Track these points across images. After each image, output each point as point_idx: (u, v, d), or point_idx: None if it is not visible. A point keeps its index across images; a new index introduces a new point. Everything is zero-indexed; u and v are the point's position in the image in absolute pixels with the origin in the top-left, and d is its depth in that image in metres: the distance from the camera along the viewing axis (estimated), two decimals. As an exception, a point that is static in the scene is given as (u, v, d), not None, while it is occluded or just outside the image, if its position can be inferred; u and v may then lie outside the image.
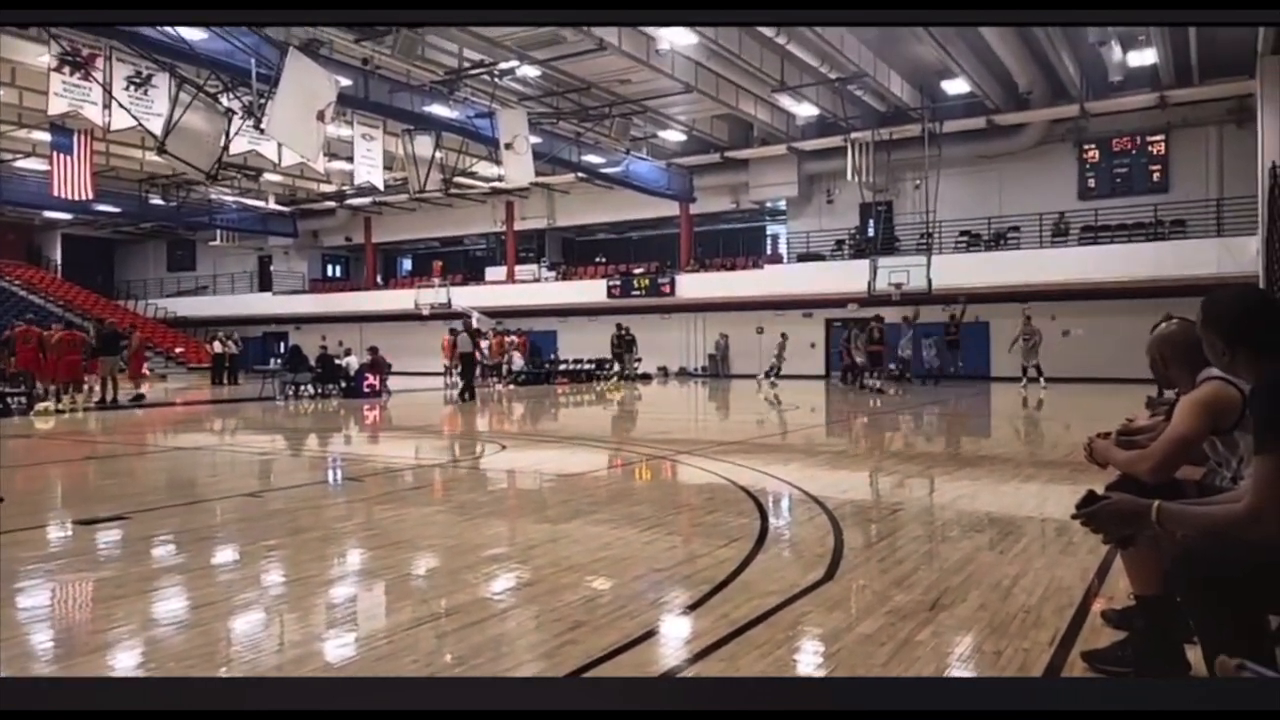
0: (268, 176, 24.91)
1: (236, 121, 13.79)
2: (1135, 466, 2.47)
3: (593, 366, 23.62)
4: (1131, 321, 16.94)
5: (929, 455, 8.44)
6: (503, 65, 16.89)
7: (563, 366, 23.79)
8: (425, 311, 26.93)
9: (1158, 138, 20.41)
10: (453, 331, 22.61)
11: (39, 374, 14.61)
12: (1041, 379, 17.75)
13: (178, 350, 30.37)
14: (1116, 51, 16.36)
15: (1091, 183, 21.24)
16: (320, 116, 12.70)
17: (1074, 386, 18.32)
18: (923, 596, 3.43)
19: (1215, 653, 1.88)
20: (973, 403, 15.80)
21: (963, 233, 22.30)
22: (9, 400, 13.32)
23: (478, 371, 18.96)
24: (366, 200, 28.95)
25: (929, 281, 19.97)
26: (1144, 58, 17.05)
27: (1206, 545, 1.90)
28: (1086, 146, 21.08)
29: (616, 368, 23.12)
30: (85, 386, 15.18)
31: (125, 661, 2.93)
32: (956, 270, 20.49)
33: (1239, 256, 17.13)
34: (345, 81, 14.58)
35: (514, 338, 22.89)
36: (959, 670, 2.76)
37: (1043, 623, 3.11)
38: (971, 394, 17.49)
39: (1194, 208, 19.69)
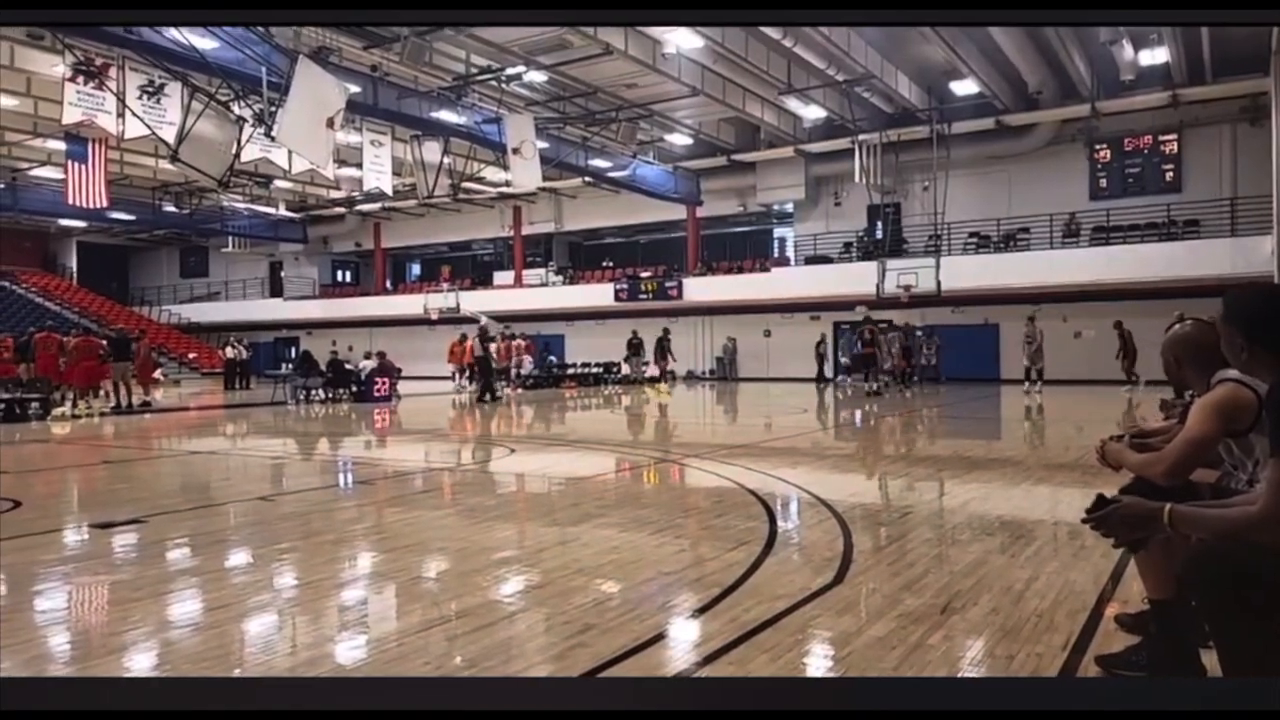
0: (278, 183, 25.07)
1: (247, 129, 13.89)
2: (1149, 469, 2.45)
3: (600, 370, 23.64)
4: (1144, 323, 16.83)
5: (938, 458, 8.39)
6: (510, 71, 16.94)
7: (571, 370, 23.81)
8: (434, 316, 27.03)
9: (1170, 137, 20.24)
10: (463, 337, 22.69)
11: (56, 379, 14.85)
12: (1032, 381, 17.63)
13: (191, 355, 30.63)
14: (1128, 50, 16.23)
15: (1103, 183, 21.08)
16: (330, 123, 12.77)
17: (1086, 388, 18.17)
18: (933, 600, 3.42)
19: (1230, 656, 1.87)
20: (982, 405, 15.72)
21: (972, 234, 22.18)
22: (27, 406, 13.48)
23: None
24: (375, 206, 29.11)
25: (938, 284, 19.87)
26: (1156, 56, 16.92)
27: (1220, 548, 1.89)
28: (1098, 146, 20.92)
29: (625, 370, 23.11)
30: (101, 392, 15.36)
31: (141, 663, 2.95)
32: (966, 272, 20.40)
33: (1253, 256, 16.98)
34: (354, 88, 14.67)
35: (521, 342, 22.95)
36: (971, 674, 2.74)
37: (1055, 627, 3.09)
38: (980, 396, 17.40)
39: (1207, 207, 19.52)
